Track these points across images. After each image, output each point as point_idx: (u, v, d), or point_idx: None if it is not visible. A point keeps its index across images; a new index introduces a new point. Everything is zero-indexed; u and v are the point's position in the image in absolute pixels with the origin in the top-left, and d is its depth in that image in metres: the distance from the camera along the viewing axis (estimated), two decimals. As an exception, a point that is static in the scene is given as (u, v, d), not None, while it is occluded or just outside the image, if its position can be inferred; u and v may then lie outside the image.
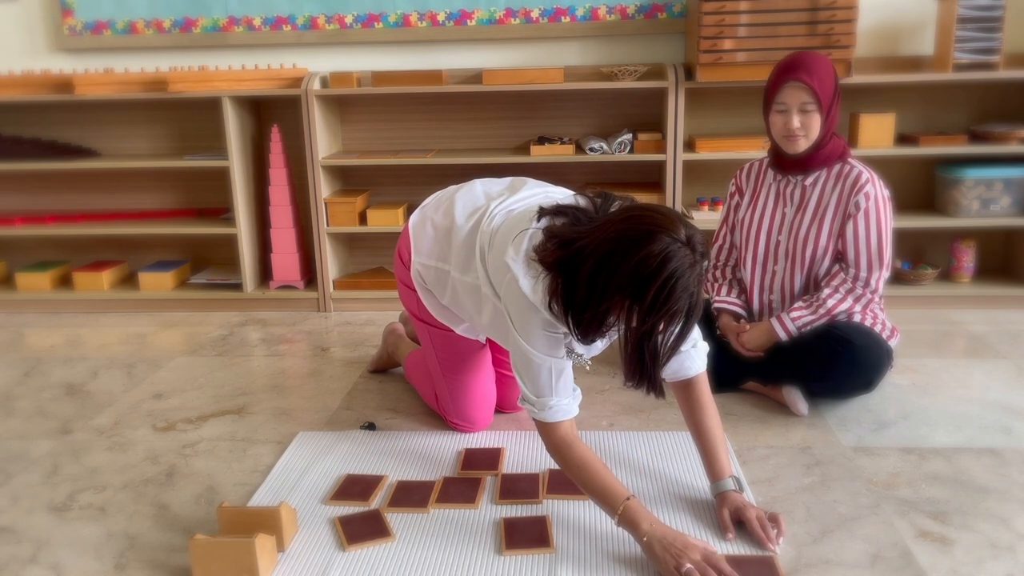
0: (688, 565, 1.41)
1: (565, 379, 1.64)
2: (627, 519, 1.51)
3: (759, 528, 1.55)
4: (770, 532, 1.55)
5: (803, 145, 2.10)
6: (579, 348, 1.64)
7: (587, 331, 1.48)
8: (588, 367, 1.73)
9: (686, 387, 1.74)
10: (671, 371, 1.72)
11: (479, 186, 1.95)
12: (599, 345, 1.67)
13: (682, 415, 1.77)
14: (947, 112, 3.13)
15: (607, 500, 1.55)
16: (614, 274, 1.39)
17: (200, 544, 1.47)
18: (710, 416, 1.72)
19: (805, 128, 2.07)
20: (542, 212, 1.61)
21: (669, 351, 1.47)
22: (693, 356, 1.73)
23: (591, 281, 1.42)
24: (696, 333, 1.72)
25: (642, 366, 1.46)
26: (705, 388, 1.74)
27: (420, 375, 2.22)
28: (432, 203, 2.01)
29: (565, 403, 1.63)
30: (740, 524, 1.60)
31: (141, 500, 1.81)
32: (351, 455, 1.97)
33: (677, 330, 1.44)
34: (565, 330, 1.55)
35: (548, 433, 1.64)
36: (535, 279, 1.56)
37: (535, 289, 1.56)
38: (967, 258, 3.09)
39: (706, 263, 1.43)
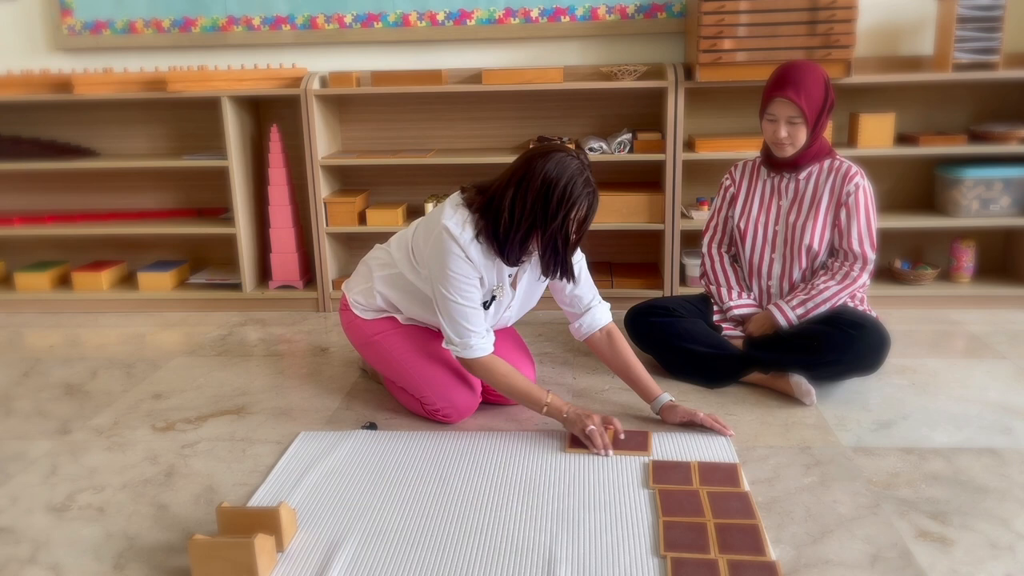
0: (591, 426, 1.94)
1: (480, 320, 2.00)
2: (552, 410, 2.00)
3: (712, 421, 2.00)
4: (722, 422, 2.01)
5: (790, 151, 2.28)
6: (506, 288, 2.06)
7: (512, 251, 1.91)
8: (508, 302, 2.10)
9: (606, 337, 2.15)
10: (586, 327, 2.14)
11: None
12: (510, 275, 2.05)
13: (606, 363, 2.17)
14: (947, 112, 3.13)
15: (533, 400, 2.02)
16: (528, 192, 1.85)
17: (199, 544, 1.46)
18: (630, 355, 2.13)
19: (792, 138, 2.25)
20: (463, 189, 2.00)
21: (580, 231, 1.91)
22: (601, 310, 2.15)
23: (512, 206, 1.87)
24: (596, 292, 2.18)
25: (556, 254, 1.91)
26: (620, 335, 2.16)
27: (396, 389, 2.26)
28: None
29: (482, 342, 2.00)
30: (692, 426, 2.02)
31: (140, 500, 1.81)
32: (351, 455, 1.97)
33: (583, 215, 1.88)
34: (482, 270, 1.94)
35: (472, 365, 2.03)
36: (463, 222, 1.93)
37: (464, 228, 1.92)
38: (967, 258, 3.09)
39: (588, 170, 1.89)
